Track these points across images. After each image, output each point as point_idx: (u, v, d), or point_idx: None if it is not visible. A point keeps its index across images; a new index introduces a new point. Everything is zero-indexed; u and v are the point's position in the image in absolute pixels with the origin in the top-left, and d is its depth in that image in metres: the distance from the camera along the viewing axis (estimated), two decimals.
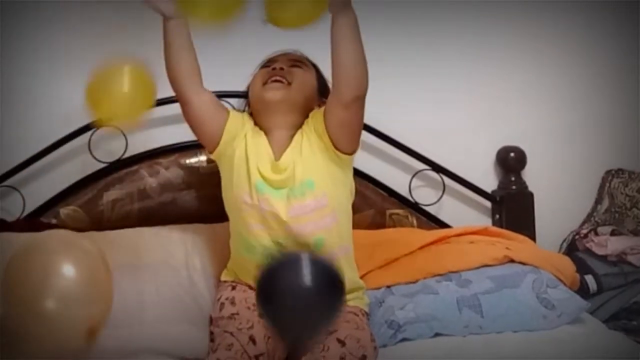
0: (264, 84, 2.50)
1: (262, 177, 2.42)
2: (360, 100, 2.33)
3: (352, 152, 2.45)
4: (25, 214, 2.90)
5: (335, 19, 2.24)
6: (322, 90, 2.58)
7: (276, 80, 2.49)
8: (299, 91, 2.50)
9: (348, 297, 2.39)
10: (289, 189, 2.40)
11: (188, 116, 2.50)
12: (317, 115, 2.46)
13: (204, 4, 2.21)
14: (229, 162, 2.48)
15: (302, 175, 2.40)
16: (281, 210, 2.40)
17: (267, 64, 2.59)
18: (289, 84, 2.49)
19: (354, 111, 2.36)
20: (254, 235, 2.42)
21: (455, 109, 3.27)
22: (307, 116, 2.51)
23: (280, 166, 2.42)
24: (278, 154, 2.46)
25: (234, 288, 2.51)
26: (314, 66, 2.62)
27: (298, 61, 2.58)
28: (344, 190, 2.49)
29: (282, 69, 2.52)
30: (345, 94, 2.31)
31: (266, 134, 2.51)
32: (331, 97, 2.39)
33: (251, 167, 2.43)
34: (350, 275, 2.47)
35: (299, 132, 2.47)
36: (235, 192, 2.45)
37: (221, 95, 2.81)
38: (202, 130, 2.52)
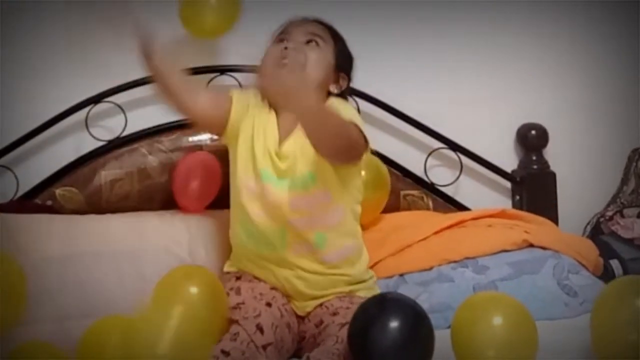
0: (277, 64, 2.42)
1: (266, 164, 2.39)
2: (339, 153, 2.29)
3: (353, 165, 2.40)
4: (19, 195, 2.84)
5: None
6: (342, 65, 2.53)
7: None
8: (312, 74, 2.42)
9: (357, 287, 2.44)
10: (291, 179, 2.37)
11: (191, 121, 2.57)
12: None
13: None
14: (235, 147, 2.47)
15: (303, 168, 2.36)
16: (283, 201, 2.36)
17: (281, 36, 2.52)
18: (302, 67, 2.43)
19: (334, 158, 2.32)
20: (256, 224, 2.38)
21: (473, 84, 3.22)
22: (323, 96, 2.45)
23: (282, 154, 2.39)
24: (284, 137, 2.43)
25: (238, 278, 2.46)
26: (334, 36, 2.54)
27: (314, 34, 2.50)
28: (350, 188, 2.44)
29: (294, 49, 2.44)
30: (320, 153, 2.26)
31: (276, 112, 2.48)
32: None
33: (257, 152, 2.41)
34: (355, 271, 2.45)
35: None
36: (239, 177, 2.43)
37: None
38: (209, 127, 2.61)
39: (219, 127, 2.48)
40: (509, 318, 2.03)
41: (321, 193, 2.36)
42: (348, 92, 2.59)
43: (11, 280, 2.19)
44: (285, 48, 2.43)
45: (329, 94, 2.49)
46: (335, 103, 2.42)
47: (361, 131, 2.31)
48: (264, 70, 2.40)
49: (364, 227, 2.61)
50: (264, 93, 2.48)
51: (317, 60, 2.45)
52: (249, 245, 2.42)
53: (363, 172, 2.51)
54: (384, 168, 2.87)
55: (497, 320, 2.01)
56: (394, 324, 1.94)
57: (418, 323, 1.99)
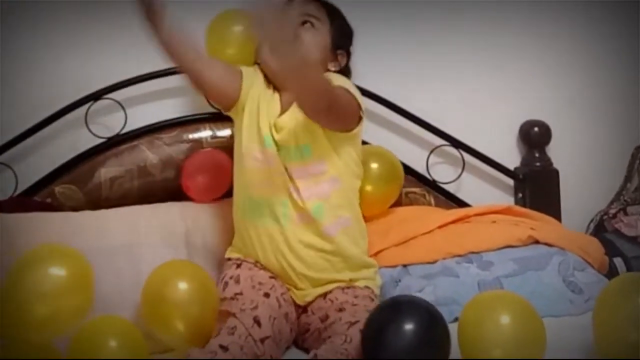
0: None
1: (269, 132, 2.44)
2: (322, 112, 2.31)
3: (346, 131, 2.43)
4: (18, 192, 2.82)
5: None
6: (339, 43, 2.57)
7: None
8: (307, 56, 2.42)
9: (357, 275, 2.46)
10: (288, 149, 2.42)
11: (204, 90, 2.54)
12: None
13: None
14: (241, 118, 2.52)
15: (298, 139, 2.41)
16: (282, 169, 2.41)
17: None
18: None
19: (322, 119, 2.36)
20: (260, 195, 2.43)
21: (475, 81, 3.20)
22: None
23: (278, 124, 2.44)
24: (284, 111, 2.49)
25: (238, 266, 2.47)
26: (330, 14, 2.56)
27: (309, 15, 2.52)
28: (346, 161, 2.48)
29: None
30: (305, 111, 2.32)
31: (278, 90, 2.54)
32: None
33: (261, 121, 2.46)
34: (353, 250, 2.48)
35: None
36: (245, 145, 2.47)
37: None
38: (220, 98, 2.57)
39: (230, 100, 2.51)
40: (517, 316, 2.03)
41: (317, 163, 2.41)
42: (349, 69, 2.61)
43: (80, 273, 2.24)
44: None
45: (328, 71, 2.51)
46: (329, 75, 2.44)
47: (355, 98, 2.36)
48: (261, 54, 2.51)
49: (370, 219, 2.69)
50: (266, 73, 2.54)
51: (312, 42, 2.48)
52: (251, 219, 2.44)
53: (360, 140, 2.54)
54: (397, 161, 2.87)
55: (505, 319, 2.01)
56: (409, 326, 1.96)
57: (433, 325, 2.00)
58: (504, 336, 1.99)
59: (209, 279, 2.36)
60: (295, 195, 2.39)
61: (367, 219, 2.64)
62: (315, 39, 2.49)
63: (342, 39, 2.56)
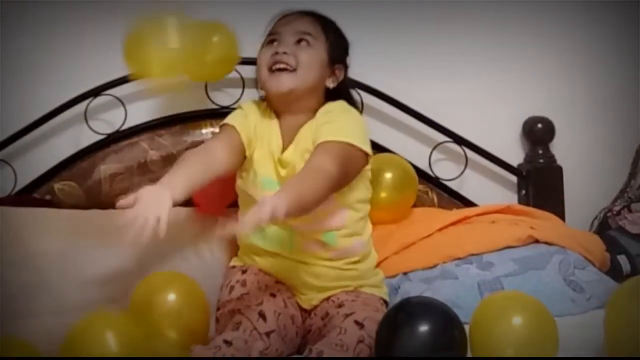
0: (269, 70, 2.43)
1: (267, 171, 2.41)
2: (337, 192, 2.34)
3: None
4: (17, 189, 2.82)
5: None
6: (335, 57, 2.50)
7: (280, 69, 2.41)
8: (305, 76, 2.42)
9: (363, 282, 2.46)
10: None
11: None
12: (319, 119, 2.40)
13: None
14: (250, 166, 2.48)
15: None
16: None
17: (271, 36, 2.50)
18: (294, 70, 2.41)
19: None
20: (263, 230, 2.34)
21: (478, 76, 3.18)
22: (321, 94, 2.48)
23: (284, 161, 2.41)
24: (287, 142, 2.44)
25: (244, 272, 2.47)
26: (325, 29, 2.50)
27: (304, 33, 2.47)
28: (356, 194, 2.44)
29: (285, 53, 2.42)
30: None
31: (278, 117, 2.48)
32: None
33: (257, 161, 2.43)
34: (363, 267, 2.48)
35: (309, 123, 2.43)
36: (248, 186, 2.45)
37: None
38: (236, 169, 2.49)
39: (241, 161, 2.45)
40: (529, 318, 2.02)
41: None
42: (346, 81, 2.55)
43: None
44: (276, 53, 2.41)
45: (327, 90, 2.48)
46: (332, 109, 2.42)
47: (359, 149, 2.32)
48: (259, 76, 2.46)
49: (388, 222, 2.75)
50: (267, 99, 2.51)
51: (309, 62, 2.43)
52: (258, 245, 2.44)
53: (369, 171, 2.50)
54: (409, 167, 2.87)
55: (517, 320, 2.01)
56: (423, 328, 1.95)
57: (449, 326, 1.98)
58: (516, 337, 1.99)
59: (197, 289, 2.37)
60: (301, 229, 2.37)
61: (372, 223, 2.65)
62: (312, 58, 2.44)
63: (338, 52, 2.51)
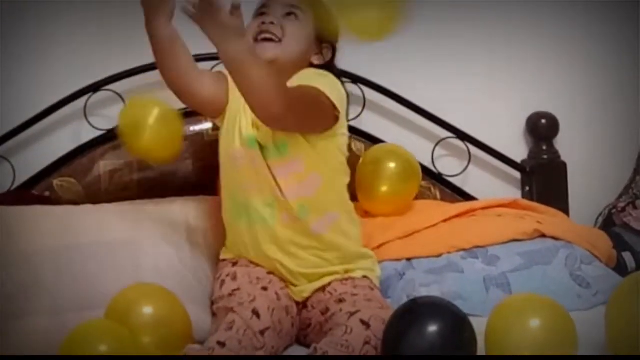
0: (255, 39, 2.43)
1: (249, 131, 2.39)
2: (278, 119, 2.23)
3: (319, 133, 2.38)
4: (16, 185, 2.82)
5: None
6: (323, 35, 2.50)
7: (265, 39, 2.42)
8: (290, 48, 2.43)
9: (353, 266, 2.44)
10: (268, 147, 2.37)
11: (194, 104, 2.50)
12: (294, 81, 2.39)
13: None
14: (225, 121, 2.47)
15: (276, 137, 2.35)
16: (268, 169, 2.37)
17: (261, 10, 2.51)
18: (280, 40, 2.43)
19: (280, 125, 2.30)
20: (247, 197, 2.39)
21: (482, 72, 3.18)
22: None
23: (256, 122, 2.37)
24: None
25: (235, 264, 2.46)
26: (316, 3, 2.50)
27: (293, 6, 2.48)
28: (326, 158, 2.42)
29: (272, 23, 2.44)
30: (258, 116, 2.24)
31: None
32: None
33: (243, 120, 2.40)
34: (346, 243, 2.45)
35: None
36: (229, 147, 2.44)
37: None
38: (208, 109, 2.51)
39: (219, 109, 2.45)
40: (547, 320, 1.99)
41: (295, 161, 2.35)
42: (334, 64, 2.54)
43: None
44: (263, 23, 2.43)
45: (312, 65, 2.48)
46: (307, 72, 2.43)
47: (327, 97, 2.29)
48: None
49: (391, 214, 2.76)
50: None
51: (295, 34, 2.44)
52: (240, 222, 2.41)
53: (344, 137, 2.46)
54: (413, 158, 2.86)
55: (535, 323, 1.98)
56: (432, 328, 1.93)
57: (459, 327, 1.96)
58: (534, 339, 1.96)
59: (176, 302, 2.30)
60: (279, 195, 2.35)
61: (374, 215, 2.65)
62: (299, 32, 2.45)
63: (327, 31, 2.47)
